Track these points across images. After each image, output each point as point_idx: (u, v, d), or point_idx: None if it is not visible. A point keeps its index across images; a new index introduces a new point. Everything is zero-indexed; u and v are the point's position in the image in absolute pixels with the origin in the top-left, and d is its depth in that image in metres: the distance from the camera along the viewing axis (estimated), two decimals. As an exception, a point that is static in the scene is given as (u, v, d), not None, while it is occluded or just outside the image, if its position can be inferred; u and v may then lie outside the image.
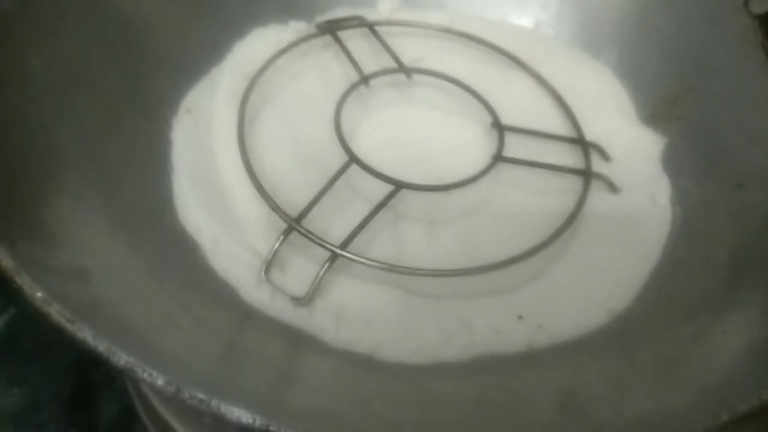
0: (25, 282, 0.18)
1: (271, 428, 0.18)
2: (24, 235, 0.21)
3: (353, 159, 0.32)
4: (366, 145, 0.34)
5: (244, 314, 0.27)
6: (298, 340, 0.27)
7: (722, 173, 0.33)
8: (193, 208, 0.31)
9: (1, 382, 0.37)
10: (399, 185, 0.31)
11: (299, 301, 0.28)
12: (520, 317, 0.29)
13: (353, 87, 0.35)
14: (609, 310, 0.29)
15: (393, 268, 0.29)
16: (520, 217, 0.33)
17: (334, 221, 0.31)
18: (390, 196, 0.31)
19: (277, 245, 0.29)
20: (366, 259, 0.29)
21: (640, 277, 0.31)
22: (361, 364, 0.26)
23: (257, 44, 0.37)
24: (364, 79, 0.36)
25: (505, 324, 0.29)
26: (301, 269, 0.29)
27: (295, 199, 0.31)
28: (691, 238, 0.32)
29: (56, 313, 0.17)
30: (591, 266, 0.31)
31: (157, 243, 0.28)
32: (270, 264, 0.29)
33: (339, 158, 0.32)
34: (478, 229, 0.32)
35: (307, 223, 0.30)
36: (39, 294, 0.18)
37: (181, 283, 0.27)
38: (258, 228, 0.30)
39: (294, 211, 0.30)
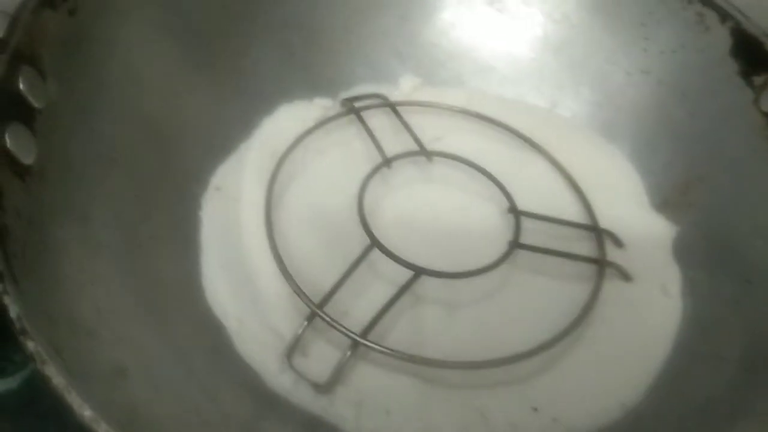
0: (74, 401, 0.19)
1: None
2: (68, 341, 0.22)
3: (374, 243, 0.33)
4: (387, 225, 0.35)
5: (267, 402, 0.28)
6: (318, 428, 0.28)
7: (732, 266, 0.34)
8: (220, 289, 0.31)
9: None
10: (419, 271, 0.32)
11: (321, 389, 0.29)
12: (535, 410, 0.30)
13: (376, 169, 0.36)
14: (621, 404, 0.30)
15: (412, 359, 0.29)
16: (535, 303, 0.34)
17: (356, 304, 0.32)
18: (410, 282, 0.32)
19: (300, 331, 0.30)
20: (386, 348, 0.29)
21: (651, 370, 0.31)
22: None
23: (284, 120, 0.39)
24: (387, 162, 0.37)
25: (521, 416, 0.29)
26: (323, 354, 0.30)
27: (319, 281, 0.32)
28: (702, 332, 0.32)
29: (103, 432, 0.18)
30: (604, 357, 0.32)
31: (186, 327, 0.29)
32: (293, 348, 0.30)
33: (361, 239, 0.33)
34: (496, 314, 0.33)
35: (330, 306, 0.31)
36: (87, 413, 0.18)
37: (209, 371, 0.27)
38: (282, 310, 0.31)
39: (318, 293, 0.31)
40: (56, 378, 0.19)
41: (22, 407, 0.39)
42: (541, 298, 0.34)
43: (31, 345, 0.19)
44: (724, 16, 0.36)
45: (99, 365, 0.23)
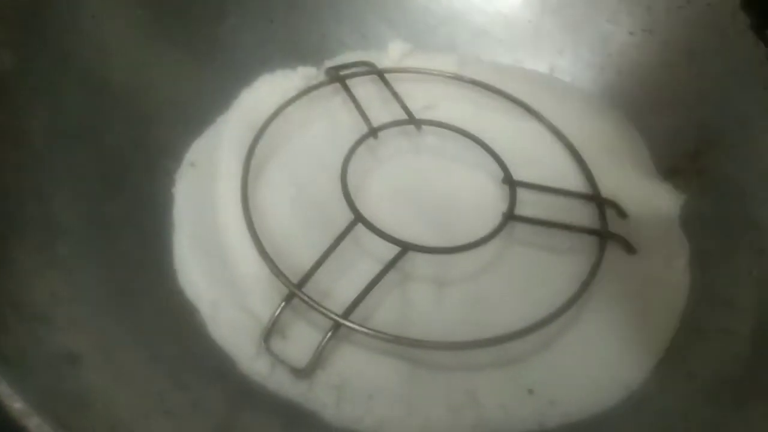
0: (3, 392, 0.17)
1: None
2: (9, 326, 0.20)
3: (359, 218, 0.31)
4: (373, 200, 0.33)
5: (242, 389, 0.26)
6: (296, 417, 0.26)
7: (743, 236, 0.31)
8: (193, 270, 0.30)
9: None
10: (406, 247, 0.30)
11: (299, 373, 0.27)
12: (530, 392, 0.28)
13: (361, 140, 0.34)
14: (625, 386, 0.28)
15: (397, 340, 0.27)
16: (531, 279, 0.31)
17: (339, 282, 0.30)
18: (396, 258, 0.30)
19: (277, 312, 0.28)
20: (370, 329, 0.27)
21: (656, 349, 0.29)
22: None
23: (264, 91, 0.36)
24: (373, 132, 0.35)
25: (515, 399, 0.28)
26: (302, 335, 0.28)
27: (299, 259, 0.30)
28: (711, 307, 0.30)
29: (35, 427, 0.16)
30: (606, 335, 0.30)
31: (154, 311, 0.27)
32: (270, 331, 0.28)
33: (345, 215, 0.31)
34: (488, 292, 0.31)
35: (310, 285, 0.29)
36: (18, 405, 0.17)
37: (178, 356, 0.26)
38: (259, 291, 0.29)
39: (297, 272, 0.29)
40: (-18, 368, 0.17)
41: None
42: (537, 273, 0.32)
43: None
44: (734, -34, 0.34)
45: (47, 352, 0.21)
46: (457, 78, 0.38)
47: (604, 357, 0.29)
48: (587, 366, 0.29)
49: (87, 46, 0.31)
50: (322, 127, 0.36)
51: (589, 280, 0.30)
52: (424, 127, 0.36)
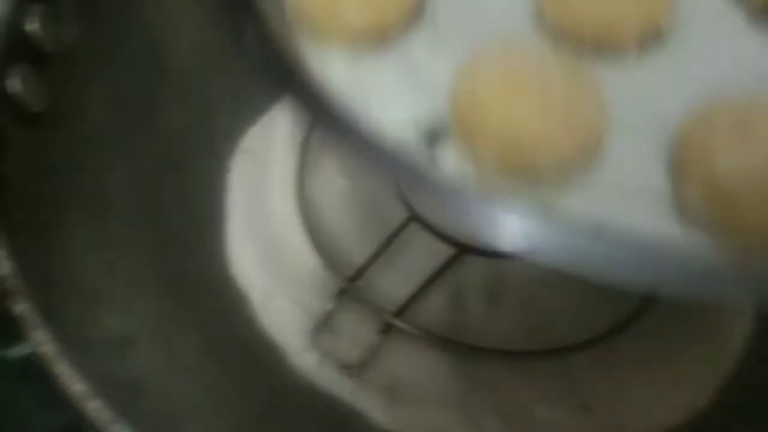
0: (64, 372, 0.16)
1: None
2: (68, 302, 0.19)
3: (414, 216, 0.30)
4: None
5: (289, 382, 0.26)
6: (342, 415, 0.25)
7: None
8: (246, 259, 0.29)
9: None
10: (462, 249, 0.29)
11: (348, 371, 0.26)
12: (587, 408, 0.27)
13: (420, 135, 0.33)
14: (686, 407, 0.27)
15: (449, 344, 0.27)
16: (591, 291, 0.30)
17: (392, 280, 0.29)
18: (451, 260, 0.29)
19: (329, 306, 0.27)
20: (422, 331, 0.27)
21: (720, 368, 0.28)
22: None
23: (322, 81, 0.36)
24: (432, 128, 0.34)
25: (570, 415, 0.26)
26: (352, 332, 0.28)
27: (352, 255, 0.29)
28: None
29: (94, 411, 0.16)
30: (667, 352, 0.28)
31: (206, 297, 0.27)
32: (320, 325, 0.27)
33: (400, 212, 0.30)
34: (546, 301, 0.30)
35: (362, 281, 0.28)
36: (78, 387, 0.16)
37: (228, 345, 0.25)
38: (311, 284, 0.29)
39: (350, 267, 0.28)
40: (45, 345, 0.16)
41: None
42: (597, 285, 0.30)
43: (20, 308, 0.17)
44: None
45: (104, 333, 0.20)
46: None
47: (664, 375, 0.28)
48: (647, 384, 0.27)
49: (149, 27, 0.31)
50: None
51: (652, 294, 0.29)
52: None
